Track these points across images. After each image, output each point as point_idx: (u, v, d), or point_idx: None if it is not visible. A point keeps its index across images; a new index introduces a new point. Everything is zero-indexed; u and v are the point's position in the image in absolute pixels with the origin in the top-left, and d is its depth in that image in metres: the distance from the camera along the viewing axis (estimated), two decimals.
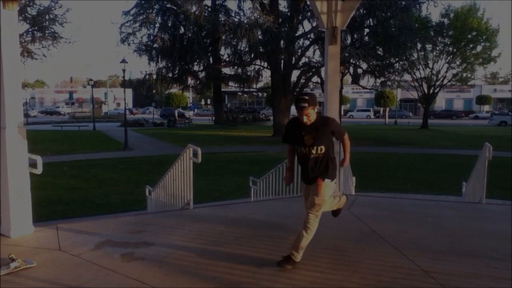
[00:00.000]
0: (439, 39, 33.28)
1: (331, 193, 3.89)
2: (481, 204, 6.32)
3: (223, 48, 26.92)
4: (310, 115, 3.61)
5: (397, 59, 26.70)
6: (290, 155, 4.04)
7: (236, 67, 30.03)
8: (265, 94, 58.56)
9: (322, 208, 3.76)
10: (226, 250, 4.22)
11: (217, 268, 3.75)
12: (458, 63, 35.93)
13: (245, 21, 22.76)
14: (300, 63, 27.10)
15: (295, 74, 28.73)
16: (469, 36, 33.75)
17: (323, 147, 3.69)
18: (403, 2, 23.89)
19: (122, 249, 4.26)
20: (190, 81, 32.74)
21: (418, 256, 4.01)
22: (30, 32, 21.85)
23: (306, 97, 3.60)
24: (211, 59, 29.51)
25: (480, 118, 56.02)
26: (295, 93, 28.29)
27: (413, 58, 33.34)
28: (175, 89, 47.84)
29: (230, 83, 37.86)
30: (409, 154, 19.40)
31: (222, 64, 29.22)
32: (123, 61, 23.13)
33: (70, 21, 62.91)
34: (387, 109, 52.40)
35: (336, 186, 4.18)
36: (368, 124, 44.83)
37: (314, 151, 3.70)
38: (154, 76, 27.47)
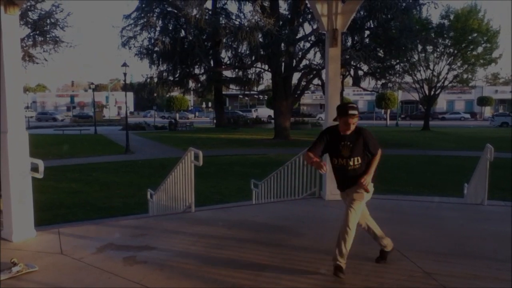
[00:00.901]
0: (440, 40, 33.27)
1: (367, 200, 3.83)
2: (483, 206, 6.30)
3: (223, 51, 26.93)
4: (356, 124, 3.59)
5: (397, 61, 26.71)
6: (314, 157, 3.68)
7: (237, 69, 30.06)
8: (266, 97, 58.60)
9: (360, 209, 3.72)
10: (227, 253, 4.22)
11: (219, 271, 3.75)
12: (459, 64, 35.90)
13: (246, 24, 22.80)
14: (301, 65, 27.12)
15: (296, 76, 28.79)
16: (470, 37, 33.74)
17: (359, 158, 3.65)
18: (403, 4, 23.92)
19: (124, 252, 4.26)
20: (191, 84, 32.78)
21: (420, 257, 4.00)
22: (32, 37, 21.94)
23: (354, 105, 3.63)
24: (212, 62, 29.56)
25: (447, 120, 56.56)
26: (296, 96, 28.32)
27: (414, 60, 33.34)
28: (176, 93, 48.01)
29: (231, 86, 37.88)
30: (411, 156, 19.38)
31: (223, 67, 29.26)
32: (124, 64, 23.16)
33: (71, 25, 63.19)
34: (388, 110, 52.38)
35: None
36: (369, 126, 44.78)
37: (351, 163, 3.65)
38: (155, 80, 27.50)
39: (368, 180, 3.65)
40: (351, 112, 3.53)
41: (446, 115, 61.25)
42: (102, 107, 71.52)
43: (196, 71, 29.51)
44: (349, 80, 34.02)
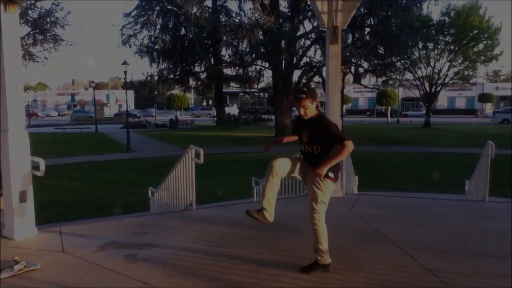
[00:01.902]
0: (440, 37, 33.22)
1: (331, 194, 3.67)
2: (484, 202, 6.30)
3: (224, 49, 26.92)
4: (308, 108, 3.54)
5: (398, 58, 26.66)
6: (288, 136, 4.11)
7: (237, 67, 30.06)
8: (266, 95, 58.58)
9: (323, 208, 3.62)
10: (229, 250, 4.22)
11: (220, 269, 3.75)
12: (459, 61, 35.86)
13: (246, 22, 22.78)
14: (301, 63, 27.09)
15: (296, 74, 28.76)
16: (471, 34, 33.68)
17: (318, 147, 3.57)
18: (404, 1, 23.84)
19: (125, 250, 4.27)
20: (192, 82, 32.77)
21: (421, 255, 4.00)
22: (32, 35, 21.95)
23: (304, 89, 3.61)
24: (212, 60, 29.51)
25: (408, 117, 55.29)
26: None
27: (415, 57, 33.30)
28: (176, 91, 48.01)
29: (232, 84, 37.90)
30: (412, 153, 19.37)
31: (223, 65, 29.24)
32: (125, 63, 23.17)
33: (71, 24, 63.01)
34: (389, 108, 52.34)
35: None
36: (370, 124, 44.78)
37: (309, 149, 3.63)
38: (156, 78, 27.48)
39: (323, 170, 3.42)
40: (298, 95, 3.55)
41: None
42: (102, 105, 71.53)
43: (197, 69, 29.49)
44: (349, 78, 33.99)
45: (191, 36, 24.85)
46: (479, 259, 3.93)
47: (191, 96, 70.90)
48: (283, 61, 26.28)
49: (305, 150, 3.70)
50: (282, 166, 3.64)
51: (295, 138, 3.93)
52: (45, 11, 21.79)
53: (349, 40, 25.06)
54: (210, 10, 25.80)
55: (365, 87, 34.49)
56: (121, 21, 37.22)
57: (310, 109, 3.56)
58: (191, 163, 5.84)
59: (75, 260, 4.01)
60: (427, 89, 36.91)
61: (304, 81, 28.17)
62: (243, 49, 26.38)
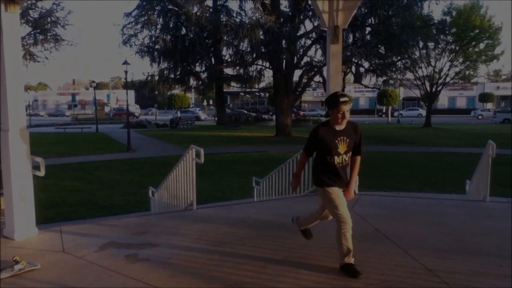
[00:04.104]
0: (441, 37, 33.18)
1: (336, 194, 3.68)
2: (485, 202, 6.30)
3: (224, 48, 26.93)
4: (349, 113, 3.46)
5: (399, 57, 26.65)
6: (302, 164, 3.92)
7: (238, 67, 30.02)
8: (267, 94, 58.57)
9: None
10: (229, 250, 4.22)
11: (221, 269, 3.75)
12: (460, 61, 35.81)
13: (247, 21, 22.75)
14: (302, 62, 27.07)
15: (297, 73, 28.74)
16: (472, 33, 33.63)
17: (349, 155, 3.62)
18: (405, 0, 23.82)
19: (126, 250, 4.27)
20: (192, 82, 32.76)
21: (422, 254, 4.00)
22: (32, 35, 21.93)
23: (345, 92, 3.49)
24: (213, 60, 29.52)
25: (403, 116, 54.80)
26: (297, 93, 28.31)
27: (415, 56, 33.28)
28: (177, 90, 48.00)
29: (232, 84, 37.87)
30: (412, 152, 19.36)
31: (224, 64, 29.23)
32: (125, 62, 23.17)
33: (72, 24, 63.17)
34: (390, 107, 52.31)
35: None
36: (371, 123, 44.76)
37: (346, 159, 3.59)
38: (156, 78, 27.48)
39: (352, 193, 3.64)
40: (341, 99, 3.39)
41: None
42: (103, 105, 71.58)
43: (197, 69, 29.49)
44: (350, 77, 33.98)
45: (191, 35, 24.86)
46: (479, 259, 3.93)
47: (191, 96, 70.90)
48: (284, 61, 26.27)
49: (342, 161, 3.58)
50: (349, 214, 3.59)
51: (307, 160, 3.83)
52: (45, 11, 21.77)
53: (350, 40, 25.05)
54: (210, 9, 25.77)
55: (366, 86, 34.43)
56: (122, 21, 37.21)
57: (348, 116, 3.48)
58: (192, 162, 5.84)
59: (75, 260, 4.01)
60: (428, 88, 36.88)
61: (304, 80, 28.17)
62: (243, 48, 26.38)
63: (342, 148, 3.52)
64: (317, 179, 3.67)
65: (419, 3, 25.53)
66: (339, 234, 3.54)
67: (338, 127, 3.50)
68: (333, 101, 3.44)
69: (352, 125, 3.57)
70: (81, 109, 77.57)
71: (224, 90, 46.58)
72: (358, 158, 3.68)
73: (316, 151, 3.64)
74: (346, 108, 3.40)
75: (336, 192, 3.57)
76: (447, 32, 33.30)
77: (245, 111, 54.89)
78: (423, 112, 59.86)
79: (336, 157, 3.53)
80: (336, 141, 3.50)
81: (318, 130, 3.55)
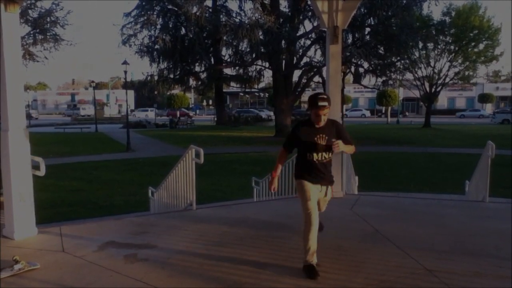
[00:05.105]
0: (441, 37, 33.22)
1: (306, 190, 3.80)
2: (484, 203, 6.30)
3: (224, 48, 26.94)
4: (326, 116, 3.55)
5: (398, 58, 26.67)
6: (282, 162, 3.99)
7: (237, 67, 30.02)
8: (266, 95, 58.57)
9: None
10: (229, 250, 4.22)
11: (220, 269, 3.75)
12: (460, 61, 35.84)
13: (246, 22, 22.77)
14: (302, 63, 27.08)
15: (296, 74, 28.75)
16: (471, 34, 33.67)
17: (330, 153, 3.68)
18: (404, 1, 23.85)
19: (125, 250, 4.27)
20: (192, 82, 32.78)
21: (421, 255, 4.00)
22: (32, 35, 21.93)
23: (325, 96, 3.55)
24: (212, 60, 29.52)
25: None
26: (297, 93, 28.31)
27: (415, 57, 33.30)
28: (176, 90, 48.04)
29: (232, 84, 37.87)
30: (412, 153, 19.37)
31: (224, 64, 29.23)
32: (125, 62, 23.17)
33: (71, 23, 63.00)
34: (389, 108, 52.35)
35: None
36: (370, 124, 44.78)
37: (326, 156, 3.67)
38: (156, 78, 27.49)
39: (341, 147, 3.54)
40: (320, 103, 3.47)
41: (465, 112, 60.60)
42: (102, 105, 71.52)
43: (197, 69, 29.50)
44: (350, 78, 33.97)
45: (191, 35, 24.87)
46: (479, 260, 3.93)
47: (191, 96, 70.88)
48: (283, 61, 26.28)
49: (322, 158, 3.67)
50: (316, 213, 3.64)
51: (287, 155, 3.92)
52: (45, 11, 21.78)
53: (349, 40, 25.07)
54: (210, 10, 25.79)
55: (365, 87, 34.46)
56: (121, 21, 37.22)
57: (327, 117, 3.58)
58: (191, 163, 5.84)
59: (75, 259, 4.01)
60: (427, 89, 36.91)
61: (304, 81, 28.18)
62: (243, 49, 26.38)
63: (321, 145, 3.61)
64: (296, 173, 3.82)
65: (418, 4, 25.55)
66: (303, 231, 3.64)
67: (317, 125, 3.60)
68: (312, 103, 3.54)
69: (332, 123, 3.67)
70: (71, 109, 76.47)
71: (224, 90, 46.58)
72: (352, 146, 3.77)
73: (296, 147, 3.77)
74: (324, 112, 3.50)
75: (309, 188, 3.68)
76: (446, 32, 33.33)
77: (256, 110, 54.80)
78: (367, 112, 62.10)
79: (315, 154, 3.64)
80: (315, 138, 3.61)
81: (298, 127, 3.72)
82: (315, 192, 3.72)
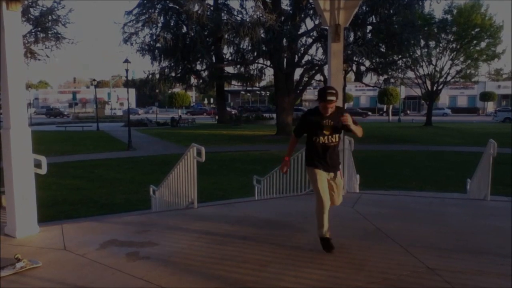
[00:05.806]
0: (442, 35, 33.14)
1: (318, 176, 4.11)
2: (486, 201, 6.29)
3: (225, 47, 26.92)
4: (334, 108, 3.89)
5: (400, 56, 26.63)
6: (293, 147, 4.29)
7: (239, 66, 30.02)
8: (268, 93, 58.53)
9: None
10: (230, 249, 4.22)
11: (222, 267, 3.75)
12: (461, 59, 35.77)
13: (248, 20, 22.76)
14: (303, 61, 27.06)
15: (298, 72, 28.74)
16: (473, 32, 33.59)
17: (337, 136, 3.98)
18: None
19: (127, 248, 4.27)
20: (193, 80, 32.77)
21: (423, 253, 4.00)
22: (33, 33, 21.90)
23: (334, 91, 3.84)
24: (213, 58, 29.52)
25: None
26: (298, 92, 28.28)
27: (416, 55, 33.24)
28: (178, 89, 48.02)
29: (233, 82, 37.86)
30: (413, 151, 19.35)
31: (225, 63, 29.22)
32: (126, 61, 23.17)
33: (73, 22, 63.09)
34: (390, 106, 52.29)
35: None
36: (372, 122, 44.73)
37: (333, 139, 3.97)
38: (157, 76, 27.50)
39: (349, 119, 3.84)
40: (329, 98, 3.79)
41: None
42: (104, 103, 71.56)
43: (198, 67, 29.51)
44: (351, 76, 33.93)
45: (192, 34, 24.86)
46: (481, 258, 3.93)
47: (192, 95, 70.89)
48: (285, 59, 26.25)
49: (328, 141, 3.98)
50: (327, 194, 4.00)
51: (297, 141, 4.19)
52: (46, 9, 21.72)
53: (351, 38, 25.03)
54: (211, 8, 25.77)
55: (367, 85, 34.44)
56: (123, 19, 37.21)
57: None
58: (193, 161, 5.84)
59: (77, 258, 4.01)
60: (429, 87, 36.84)
61: (305, 79, 28.15)
62: (244, 47, 26.39)
63: (327, 129, 3.93)
64: (307, 160, 4.17)
65: (420, 2, 25.50)
66: (316, 212, 4.02)
67: (324, 114, 3.92)
68: (321, 96, 3.86)
69: (338, 110, 3.97)
70: (82, 107, 77.30)
71: (225, 88, 46.57)
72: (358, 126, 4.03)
73: (305, 133, 4.08)
74: (331, 105, 3.85)
75: (319, 174, 4.02)
76: (448, 30, 33.25)
77: (261, 108, 54.68)
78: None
79: (321, 137, 3.96)
80: (322, 123, 3.92)
81: (306, 114, 4.17)
82: (324, 175, 4.04)
